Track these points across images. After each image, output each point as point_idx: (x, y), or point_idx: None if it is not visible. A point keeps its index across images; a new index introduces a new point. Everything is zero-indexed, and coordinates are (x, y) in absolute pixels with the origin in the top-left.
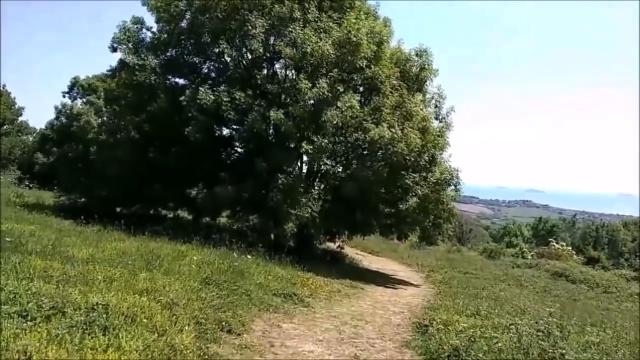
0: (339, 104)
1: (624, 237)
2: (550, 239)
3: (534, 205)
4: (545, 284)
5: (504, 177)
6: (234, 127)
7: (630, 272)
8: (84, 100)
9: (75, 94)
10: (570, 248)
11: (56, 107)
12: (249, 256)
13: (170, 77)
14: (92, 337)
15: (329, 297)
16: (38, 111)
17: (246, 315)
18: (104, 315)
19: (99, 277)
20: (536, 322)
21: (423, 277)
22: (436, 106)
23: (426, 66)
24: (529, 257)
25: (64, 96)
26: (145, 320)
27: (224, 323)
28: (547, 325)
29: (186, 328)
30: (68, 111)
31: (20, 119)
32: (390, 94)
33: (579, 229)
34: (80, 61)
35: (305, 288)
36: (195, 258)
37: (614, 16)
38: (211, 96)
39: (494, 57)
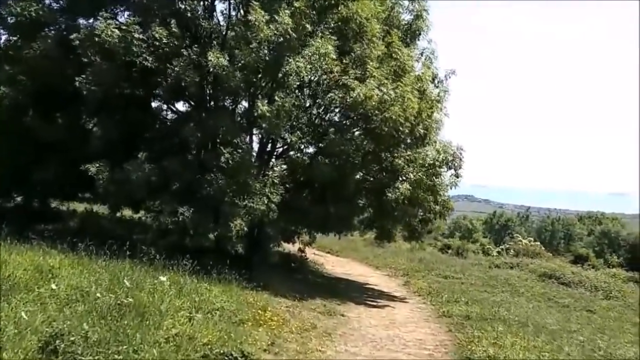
0: (306, 51)
1: (579, 231)
2: (512, 233)
3: (476, 199)
4: (543, 290)
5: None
6: (154, 79)
7: (624, 272)
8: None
9: None
10: (539, 243)
11: None
12: (162, 277)
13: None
14: None
15: (302, 347)
16: None
17: None
18: None
19: None
20: None
21: (401, 284)
22: (429, 66)
23: (423, 15)
24: (495, 253)
25: None
26: None
27: None
28: None
29: None
30: None
31: None
32: (376, 42)
33: (533, 223)
34: None
35: (260, 329)
36: (54, 287)
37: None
38: (116, 32)
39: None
